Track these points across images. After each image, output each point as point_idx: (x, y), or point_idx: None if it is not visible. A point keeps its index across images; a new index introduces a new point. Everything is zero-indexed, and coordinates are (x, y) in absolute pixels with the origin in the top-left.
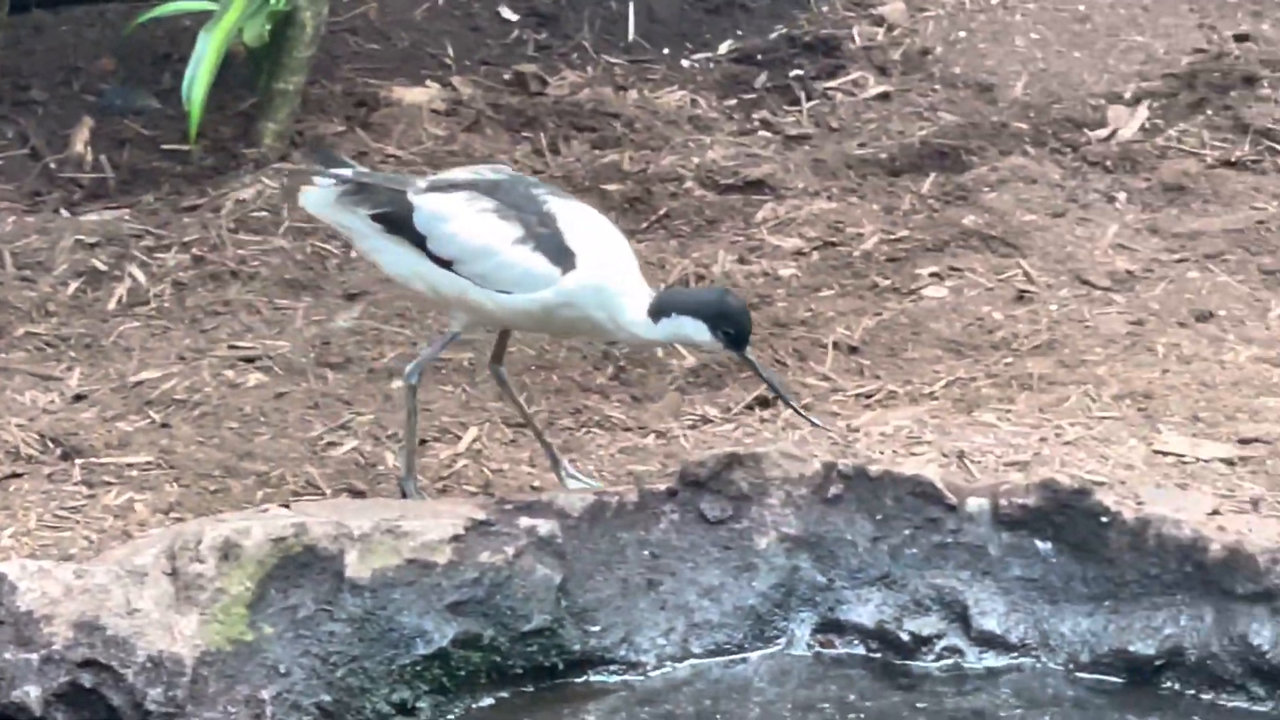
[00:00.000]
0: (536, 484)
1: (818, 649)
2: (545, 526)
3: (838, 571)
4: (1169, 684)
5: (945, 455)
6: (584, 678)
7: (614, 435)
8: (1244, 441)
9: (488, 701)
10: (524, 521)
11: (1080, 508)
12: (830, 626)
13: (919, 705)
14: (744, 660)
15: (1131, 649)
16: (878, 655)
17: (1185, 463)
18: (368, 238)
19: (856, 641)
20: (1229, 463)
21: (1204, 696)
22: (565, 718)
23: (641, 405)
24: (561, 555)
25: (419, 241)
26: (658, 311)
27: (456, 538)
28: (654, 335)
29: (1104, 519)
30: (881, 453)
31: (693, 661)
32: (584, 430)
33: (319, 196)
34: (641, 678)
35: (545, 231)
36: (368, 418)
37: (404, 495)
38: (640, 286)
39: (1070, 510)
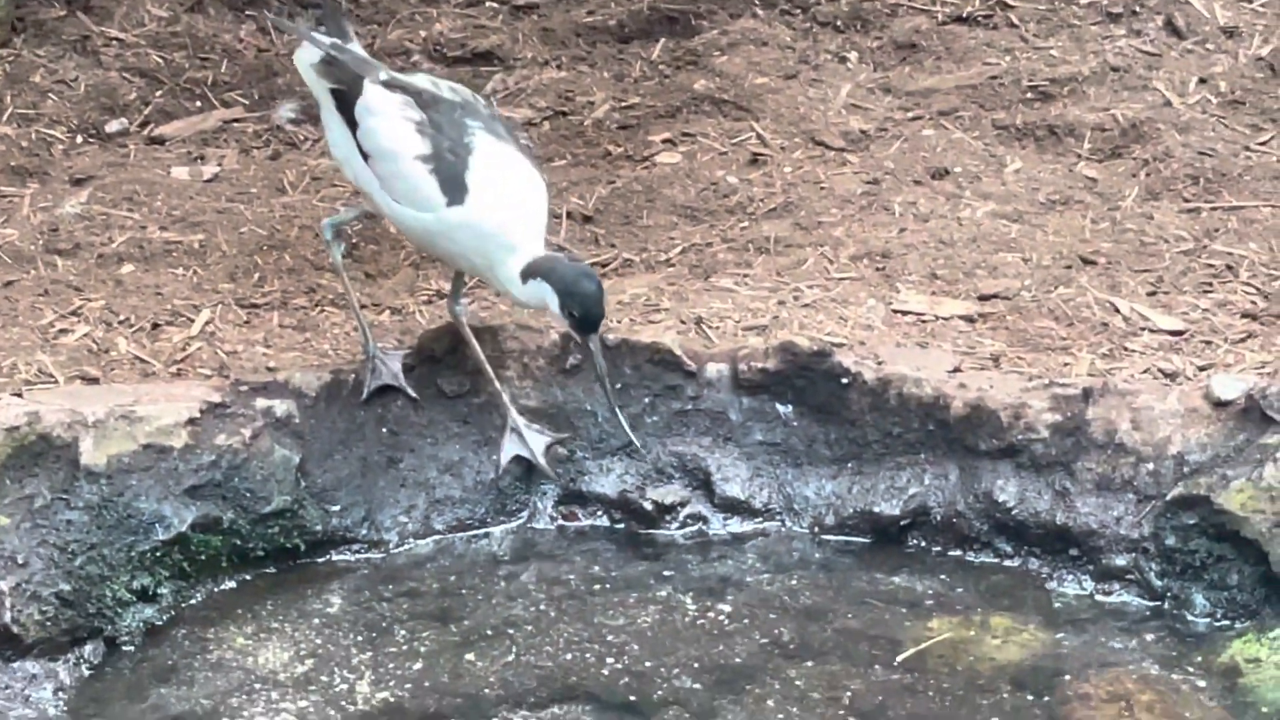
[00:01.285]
0: (271, 365)
1: (561, 521)
2: (282, 407)
3: (578, 443)
4: (915, 543)
5: (683, 322)
6: (326, 558)
7: (348, 313)
8: (983, 298)
9: (230, 585)
10: (260, 403)
11: (820, 370)
12: (573, 498)
13: (665, 574)
14: (487, 535)
15: (876, 509)
16: (622, 525)
17: (925, 321)
18: (325, 110)
19: (600, 512)
20: (969, 320)
21: (951, 554)
22: (309, 598)
23: (376, 282)
24: (299, 435)
25: (352, 127)
26: (527, 273)
27: (192, 421)
28: (521, 295)
29: (844, 380)
30: (619, 321)
31: (435, 538)
32: (319, 309)
33: (304, 55)
34: (384, 556)
35: (450, 160)
36: (98, 304)
37: (368, 357)
38: (532, 245)
39: (810, 373)
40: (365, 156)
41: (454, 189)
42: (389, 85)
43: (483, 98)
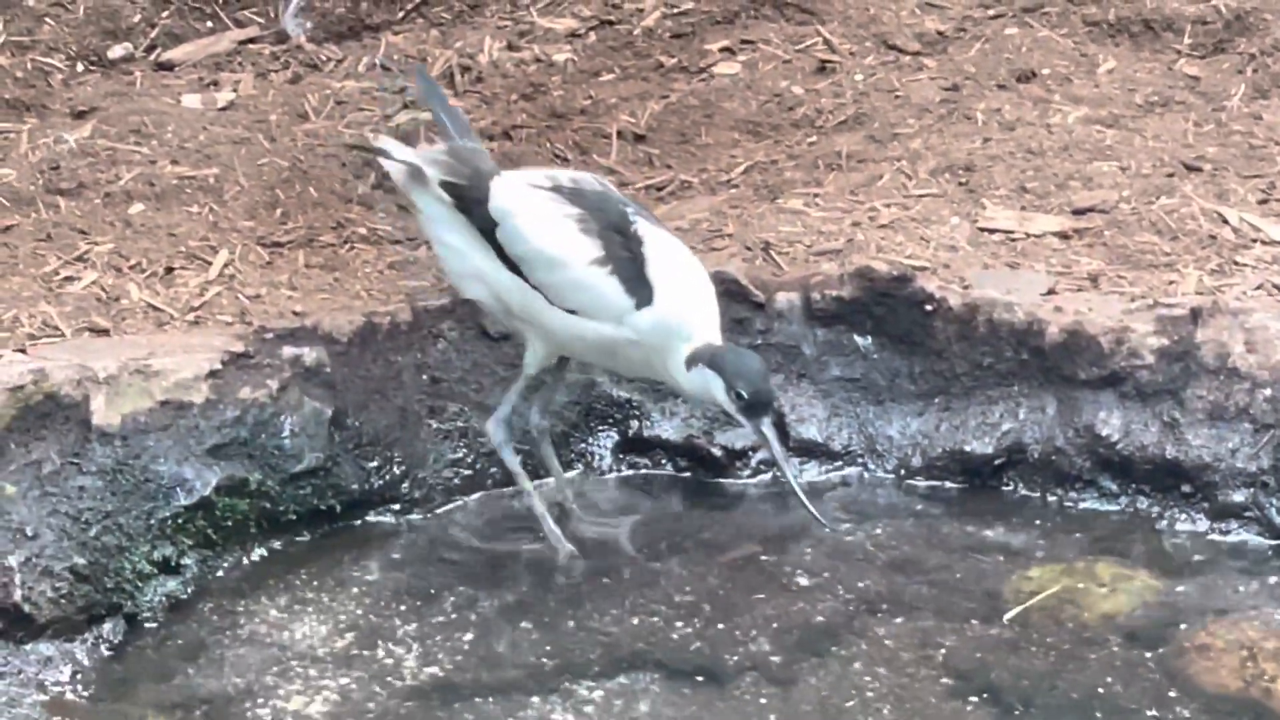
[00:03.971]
0: (298, 309)
1: (622, 470)
2: (311, 355)
3: (637, 384)
4: (1010, 485)
5: (749, 248)
6: (364, 520)
7: (381, 249)
8: (1078, 212)
9: (260, 553)
10: (287, 351)
11: (901, 296)
12: (635, 445)
13: (737, 526)
14: (540, 487)
15: (967, 449)
16: (688, 474)
17: (1014, 240)
18: (431, 213)
19: (664, 460)
20: (1063, 236)
21: (1050, 495)
22: (347, 565)
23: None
24: (331, 385)
25: (488, 229)
26: (690, 360)
27: (213, 374)
28: (685, 385)
29: (928, 307)
30: None
31: (483, 494)
32: (348, 246)
33: (394, 170)
34: (428, 516)
35: (626, 256)
36: (106, 247)
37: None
38: (707, 331)
39: (890, 300)
40: (513, 267)
41: (639, 289)
42: (528, 179)
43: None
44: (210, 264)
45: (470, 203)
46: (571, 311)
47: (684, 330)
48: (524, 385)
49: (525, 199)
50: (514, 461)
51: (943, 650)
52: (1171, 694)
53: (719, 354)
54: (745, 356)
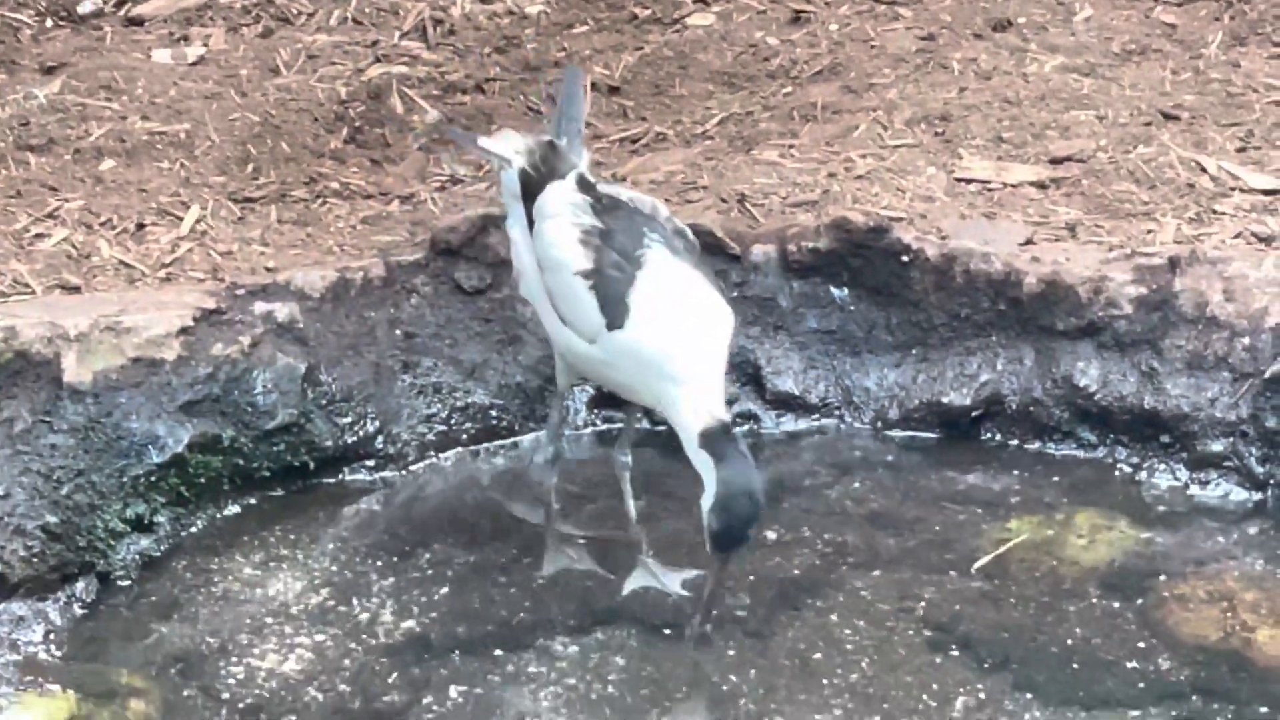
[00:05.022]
0: (270, 265)
1: (597, 424)
2: (284, 310)
3: None
4: (989, 436)
5: (724, 200)
6: (339, 476)
7: (354, 204)
8: (1055, 162)
9: (233, 510)
10: (259, 306)
11: (878, 247)
12: (609, 400)
13: None
14: (515, 445)
15: (945, 400)
16: (664, 427)
17: (991, 190)
18: (511, 208)
19: (639, 414)
20: (1040, 186)
21: (1029, 446)
22: (321, 522)
23: (382, 168)
24: (304, 341)
25: (530, 222)
26: (703, 441)
27: (185, 330)
28: (690, 453)
29: (905, 258)
30: None
31: (458, 450)
32: (320, 202)
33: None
34: (402, 472)
35: (615, 275)
36: (77, 204)
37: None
38: (712, 393)
39: (867, 251)
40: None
41: (613, 310)
42: (581, 185)
43: (664, 207)
44: (181, 220)
45: (530, 199)
46: (564, 321)
47: (666, 368)
48: (558, 404)
49: (559, 202)
50: (550, 494)
51: (921, 603)
52: (1151, 644)
53: (726, 467)
54: (741, 496)
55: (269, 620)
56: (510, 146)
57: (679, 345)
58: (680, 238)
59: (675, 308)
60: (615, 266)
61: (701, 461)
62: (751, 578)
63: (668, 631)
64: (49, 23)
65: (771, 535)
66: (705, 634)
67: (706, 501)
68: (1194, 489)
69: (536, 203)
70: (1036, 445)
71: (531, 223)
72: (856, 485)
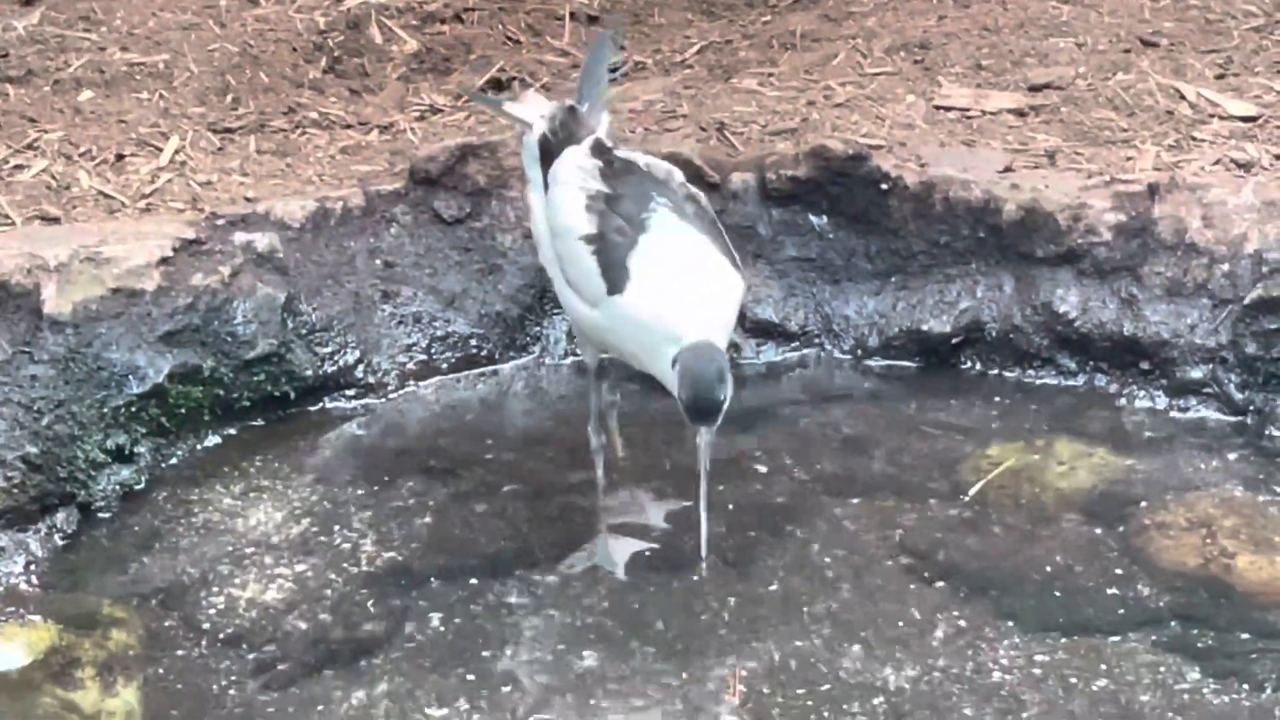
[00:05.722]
0: (250, 195)
1: (577, 355)
2: (263, 240)
3: None
4: (968, 363)
5: (703, 128)
6: (319, 406)
7: (333, 134)
8: (1034, 89)
9: (214, 440)
10: (239, 237)
11: (857, 175)
12: None
13: None
14: (495, 374)
15: (925, 328)
16: None
17: (970, 117)
18: (531, 172)
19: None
20: (1019, 113)
21: (1008, 374)
22: (302, 452)
23: (361, 98)
24: (284, 271)
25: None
26: (676, 358)
27: (165, 260)
28: (670, 386)
29: (884, 186)
30: (633, 131)
31: (439, 379)
32: (299, 131)
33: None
34: (383, 401)
35: (617, 240)
36: (56, 135)
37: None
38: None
39: (846, 179)
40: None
41: (613, 275)
42: (595, 150)
43: (679, 173)
44: (161, 150)
45: (548, 164)
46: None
47: (669, 331)
48: (593, 386)
49: (571, 168)
50: (599, 459)
51: (901, 530)
52: (1131, 571)
53: (683, 353)
54: (701, 362)
55: (250, 550)
56: (535, 111)
57: (678, 309)
58: (692, 203)
59: (678, 273)
60: (618, 231)
61: (672, 376)
62: (731, 506)
63: (649, 557)
64: None
65: (751, 461)
66: (707, 530)
67: (674, 388)
68: (1174, 415)
69: (551, 168)
70: (1016, 373)
71: (548, 187)
72: (836, 413)
